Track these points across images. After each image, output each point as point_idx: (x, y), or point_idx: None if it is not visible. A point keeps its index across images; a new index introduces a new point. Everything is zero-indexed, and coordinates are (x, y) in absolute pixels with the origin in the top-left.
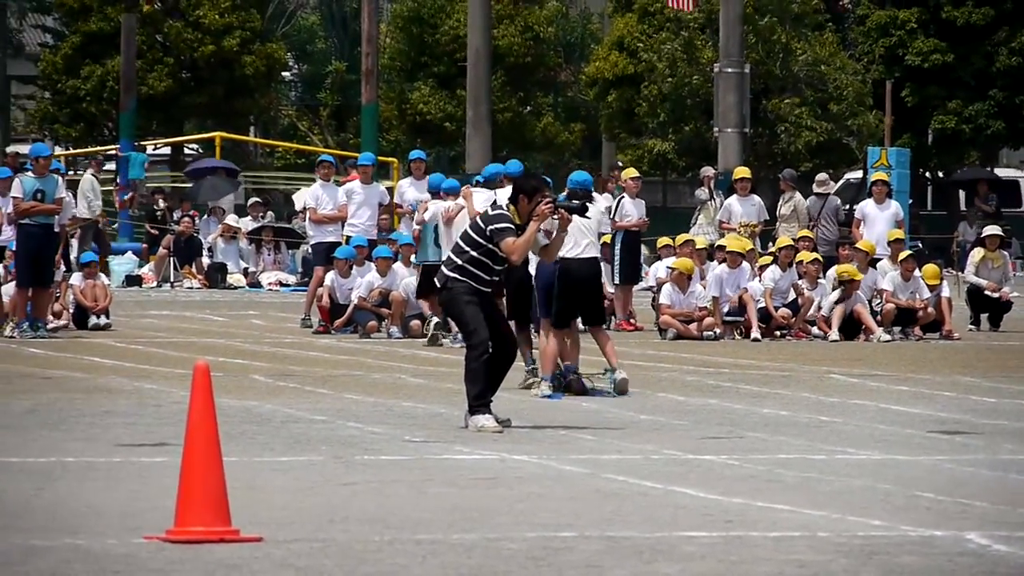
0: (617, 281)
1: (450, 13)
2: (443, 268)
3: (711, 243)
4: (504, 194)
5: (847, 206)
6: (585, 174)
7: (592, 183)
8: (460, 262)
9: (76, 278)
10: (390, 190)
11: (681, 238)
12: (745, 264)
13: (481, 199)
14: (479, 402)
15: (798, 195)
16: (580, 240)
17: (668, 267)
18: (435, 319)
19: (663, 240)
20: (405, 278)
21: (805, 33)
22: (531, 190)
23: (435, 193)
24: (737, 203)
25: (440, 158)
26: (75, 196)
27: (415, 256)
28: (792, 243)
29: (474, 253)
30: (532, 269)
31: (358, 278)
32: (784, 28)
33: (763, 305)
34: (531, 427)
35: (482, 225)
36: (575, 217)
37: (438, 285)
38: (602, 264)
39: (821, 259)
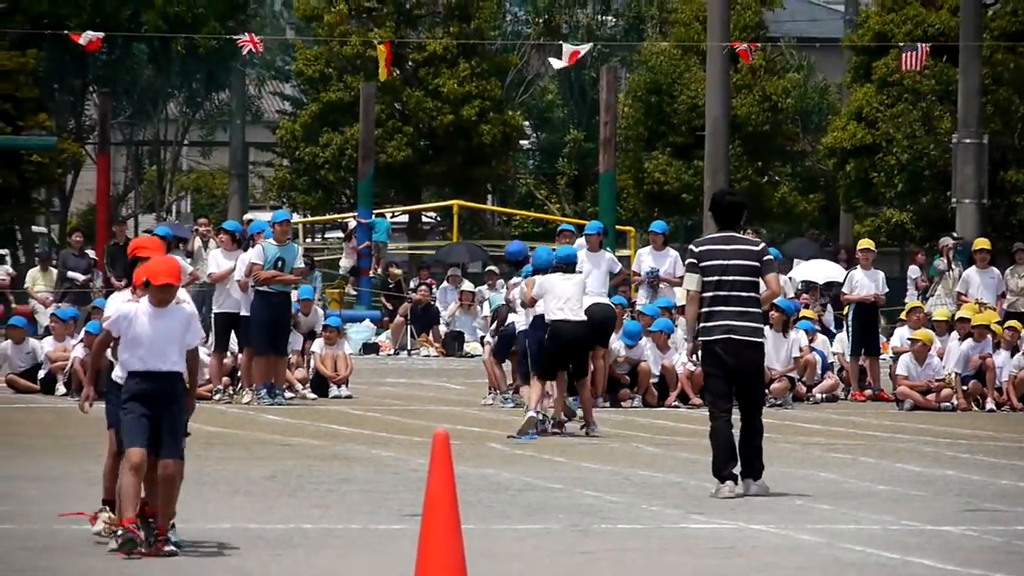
0: (850, 354)
1: (687, 83)
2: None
3: (951, 314)
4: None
5: None
6: (520, 244)
7: (524, 254)
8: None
9: (317, 345)
10: (625, 259)
11: (909, 306)
12: (989, 336)
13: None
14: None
15: None
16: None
17: (907, 338)
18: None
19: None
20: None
21: None
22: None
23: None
24: (976, 275)
25: (677, 228)
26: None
27: None
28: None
29: None
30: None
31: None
32: (1022, 100)
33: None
34: (768, 496)
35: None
36: (564, 282)
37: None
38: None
39: None
